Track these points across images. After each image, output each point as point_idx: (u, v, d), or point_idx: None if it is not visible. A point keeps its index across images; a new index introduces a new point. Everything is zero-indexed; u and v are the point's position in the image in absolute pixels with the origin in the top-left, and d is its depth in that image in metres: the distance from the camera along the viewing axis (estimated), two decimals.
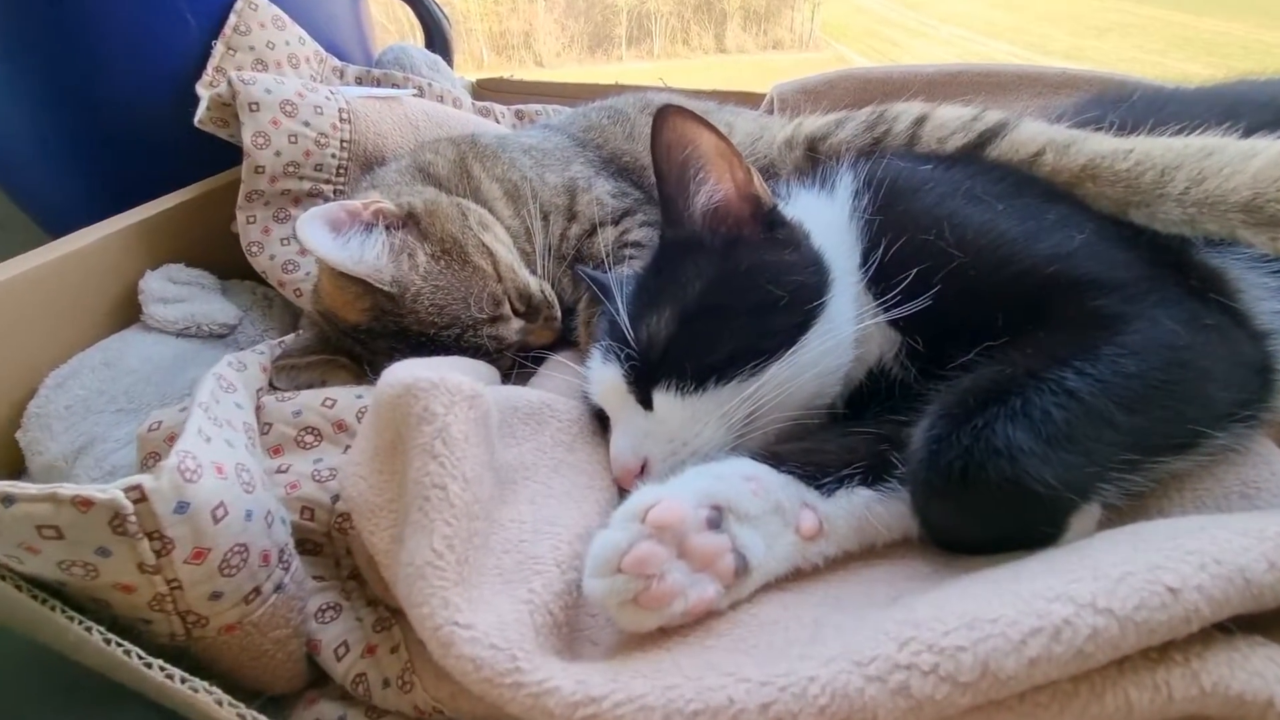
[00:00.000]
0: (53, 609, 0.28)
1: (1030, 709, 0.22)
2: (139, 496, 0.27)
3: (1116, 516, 0.33)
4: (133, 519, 0.27)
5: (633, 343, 0.36)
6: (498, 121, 0.80)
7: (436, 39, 0.86)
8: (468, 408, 0.29)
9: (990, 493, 0.26)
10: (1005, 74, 0.68)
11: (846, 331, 0.35)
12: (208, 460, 0.30)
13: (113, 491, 0.27)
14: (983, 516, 0.27)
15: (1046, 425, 0.26)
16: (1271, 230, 0.29)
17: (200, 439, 0.31)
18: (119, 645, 0.26)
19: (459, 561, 0.25)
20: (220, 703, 0.24)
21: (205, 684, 0.25)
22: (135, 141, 0.64)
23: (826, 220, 0.40)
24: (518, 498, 0.32)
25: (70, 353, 0.53)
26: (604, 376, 0.38)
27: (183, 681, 0.25)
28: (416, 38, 0.89)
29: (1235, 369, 0.30)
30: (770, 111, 0.76)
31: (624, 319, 0.37)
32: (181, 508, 0.28)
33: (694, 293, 0.36)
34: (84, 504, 0.26)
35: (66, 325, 0.54)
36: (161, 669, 0.25)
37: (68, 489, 0.26)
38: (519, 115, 0.82)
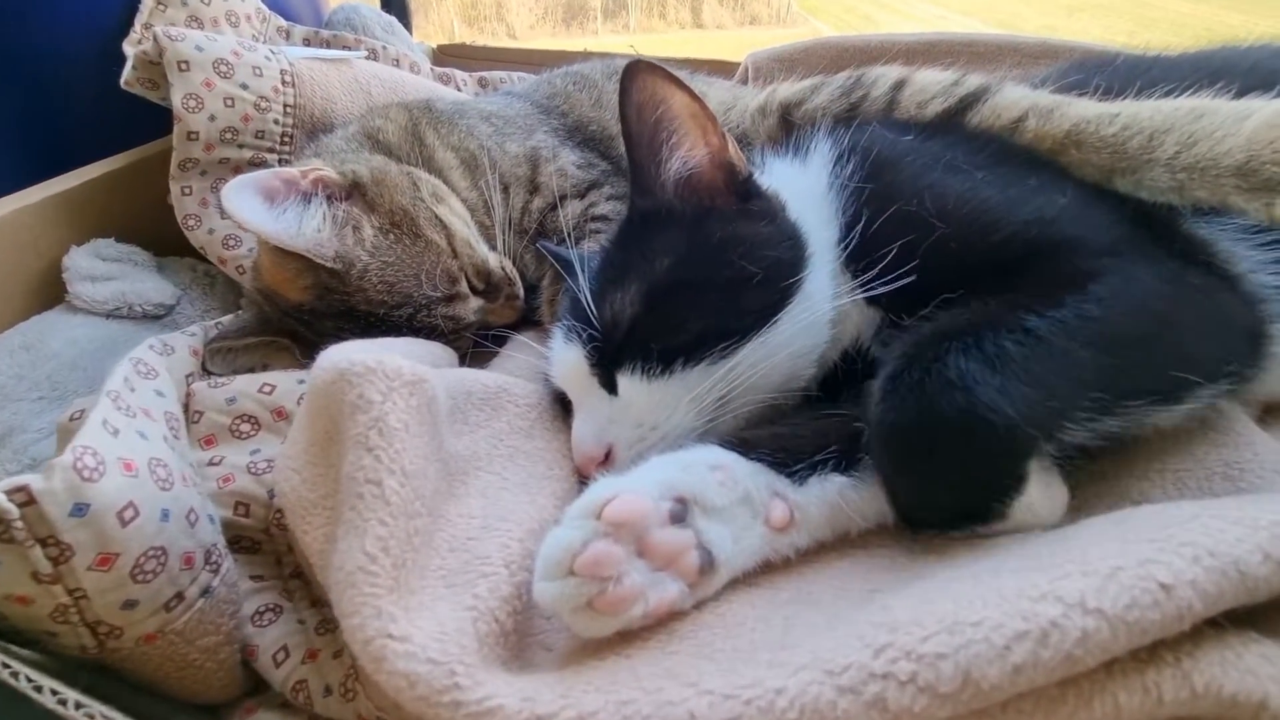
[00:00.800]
0: None
1: (1013, 717, 0.20)
2: (26, 499, 0.24)
3: (1095, 498, 0.32)
4: (19, 524, 0.24)
5: (596, 322, 0.34)
6: (459, 89, 0.75)
7: (393, 2, 0.80)
8: (408, 394, 0.27)
9: (944, 426, 0.25)
10: (984, 43, 0.65)
11: (824, 309, 0.33)
12: (112, 456, 0.27)
13: None
14: (939, 459, 0.26)
15: (1001, 359, 0.25)
16: (1266, 195, 0.28)
17: (105, 432, 0.28)
18: (7, 666, 0.23)
19: (395, 565, 0.23)
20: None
21: (103, 709, 0.22)
22: (55, 104, 0.58)
23: (802, 190, 0.37)
24: (468, 490, 0.29)
25: None
26: (566, 358, 0.35)
27: (78, 707, 0.22)
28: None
29: (1220, 327, 0.30)
30: (745, 81, 0.73)
31: (586, 296, 0.34)
32: (79, 510, 0.25)
33: (662, 268, 0.34)
34: None
35: None
36: (53, 693, 0.22)
37: None
38: (481, 83, 0.77)
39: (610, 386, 0.34)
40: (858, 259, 0.33)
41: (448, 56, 0.87)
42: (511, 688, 0.20)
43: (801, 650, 0.21)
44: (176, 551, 0.28)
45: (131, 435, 0.29)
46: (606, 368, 0.34)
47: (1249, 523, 0.22)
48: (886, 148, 0.36)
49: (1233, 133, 0.30)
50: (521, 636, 0.25)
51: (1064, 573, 0.21)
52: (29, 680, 0.22)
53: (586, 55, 0.80)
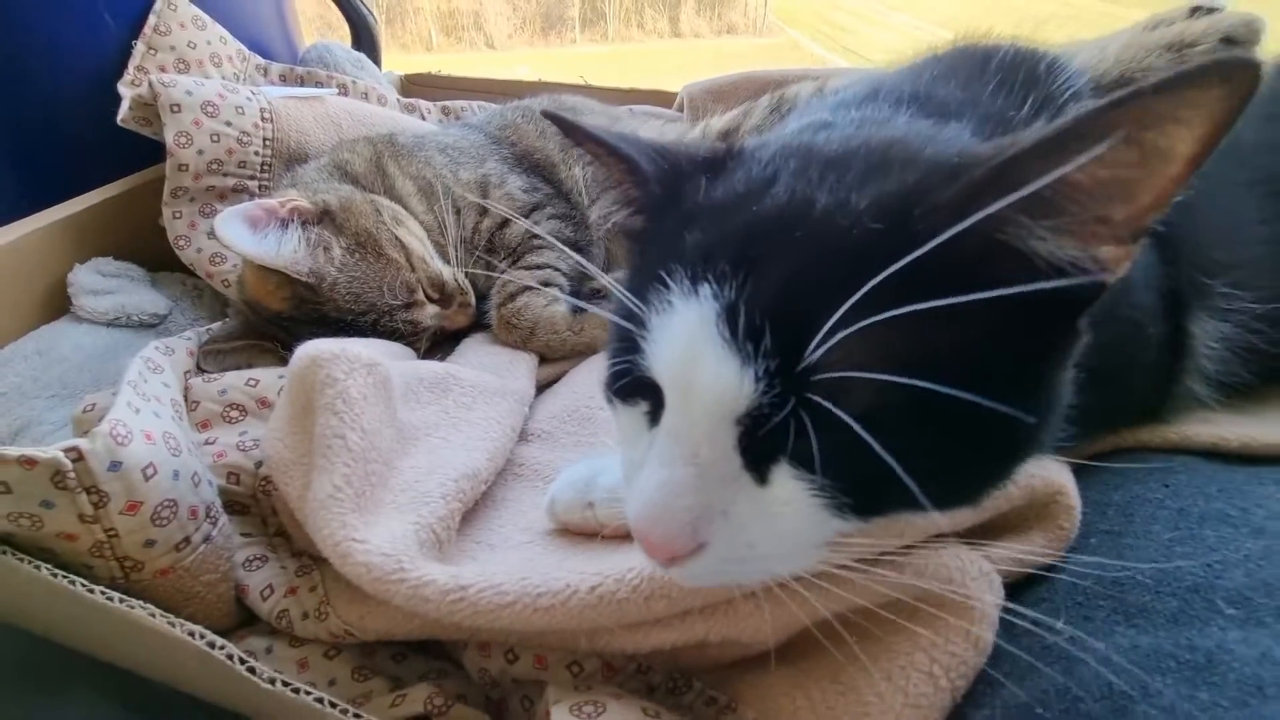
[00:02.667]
0: (4, 553, 0.33)
1: (782, 585, 0.30)
2: (77, 456, 0.33)
3: None
4: (71, 475, 0.33)
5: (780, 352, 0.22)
6: (423, 118, 0.85)
7: (363, 36, 0.90)
8: (366, 374, 0.36)
9: None
10: None
11: None
12: (137, 428, 0.36)
13: (53, 451, 0.32)
14: None
15: None
16: None
17: (129, 410, 0.37)
18: (65, 578, 0.32)
19: (356, 495, 0.32)
20: (153, 615, 0.30)
21: (139, 602, 0.31)
22: (58, 140, 0.67)
23: None
24: (417, 450, 0.38)
25: (1, 343, 0.57)
26: (704, 381, 0.23)
27: (120, 601, 0.31)
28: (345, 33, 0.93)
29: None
30: (680, 109, 0.83)
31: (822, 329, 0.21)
32: (114, 466, 0.34)
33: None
34: (28, 463, 0.32)
35: None
36: (102, 593, 0.31)
37: (13, 450, 0.32)
38: (445, 111, 0.87)
39: (756, 465, 0.23)
40: None
41: (414, 86, 0.97)
42: (444, 571, 0.29)
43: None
44: (185, 504, 0.37)
45: (149, 414, 0.38)
46: (769, 447, 0.23)
47: None
48: None
49: (1102, 58, 0.39)
50: (463, 539, 0.34)
51: None
52: (84, 585, 0.31)
53: (541, 85, 0.91)
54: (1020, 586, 0.33)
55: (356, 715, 0.26)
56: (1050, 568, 0.32)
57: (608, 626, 0.29)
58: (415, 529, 0.32)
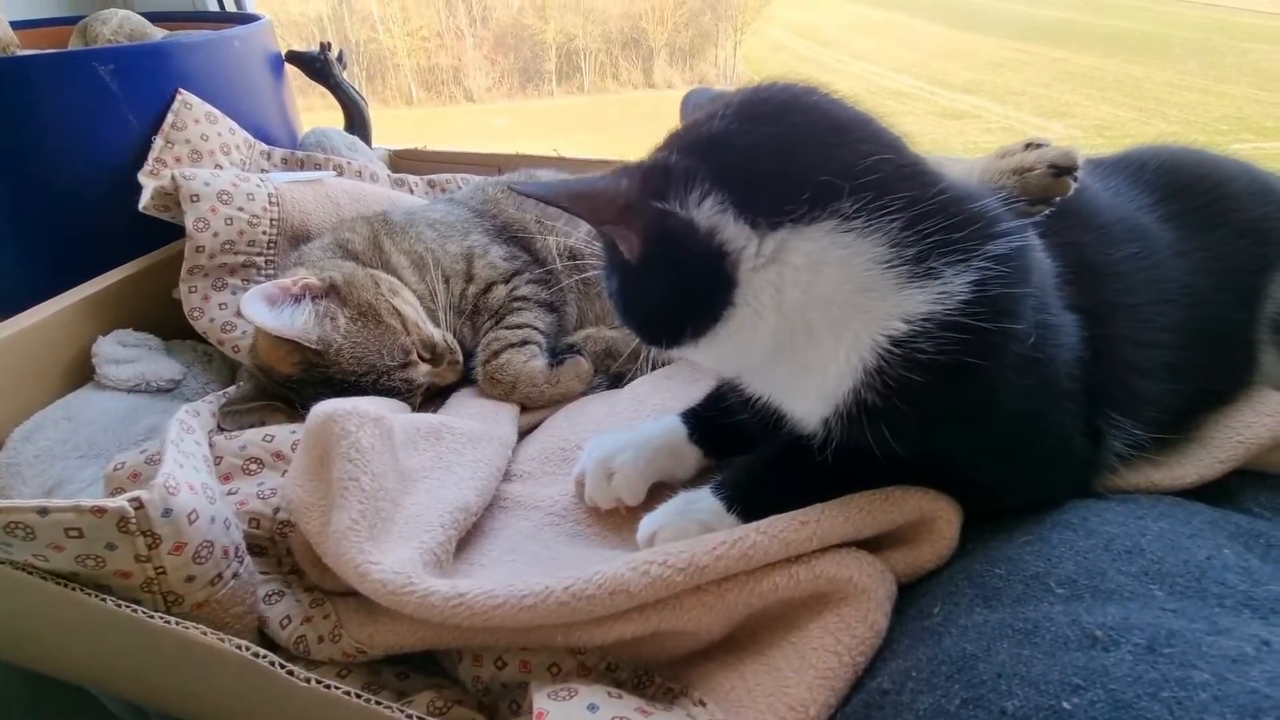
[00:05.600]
0: (74, 589, 0.40)
1: (720, 585, 0.38)
2: (138, 505, 0.40)
3: None
4: (133, 521, 0.40)
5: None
6: (411, 191, 0.95)
7: (356, 120, 1.01)
8: (374, 427, 0.44)
9: None
10: None
11: None
12: (182, 480, 0.43)
13: (120, 501, 0.40)
14: None
15: None
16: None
17: (176, 465, 0.44)
18: (128, 607, 0.39)
19: (370, 526, 0.40)
20: (205, 633, 0.38)
21: (192, 623, 0.38)
22: (84, 224, 0.76)
23: None
24: (418, 489, 0.46)
25: (31, 411, 0.64)
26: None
27: (175, 623, 0.38)
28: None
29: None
30: None
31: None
32: (167, 513, 0.41)
33: None
34: (99, 511, 0.39)
35: (28, 388, 0.65)
36: (161, 618, 0.38)
37: (86, 501, 0.39)
38: (431, 184, 0.98)
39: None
40: None
41: (403, 160, 1.08)
42: (445, 583, 0.37)
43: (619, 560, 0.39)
44: (219, 545, 0.45)
45: (190, 468, 0.46)
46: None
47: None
48: None
49: (970, 174, 0.49)
50: (459, 563, 0.42)
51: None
52: (144, 613, 0.38)
53: (519, 159, 1.02)
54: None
55: (378, 702, 0.34)
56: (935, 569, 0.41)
57: (579, 621, 0.37)
58: (419, 552, 0.40)
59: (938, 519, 0.41)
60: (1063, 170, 0.43)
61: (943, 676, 0.33)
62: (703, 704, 0.36)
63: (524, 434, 0.64)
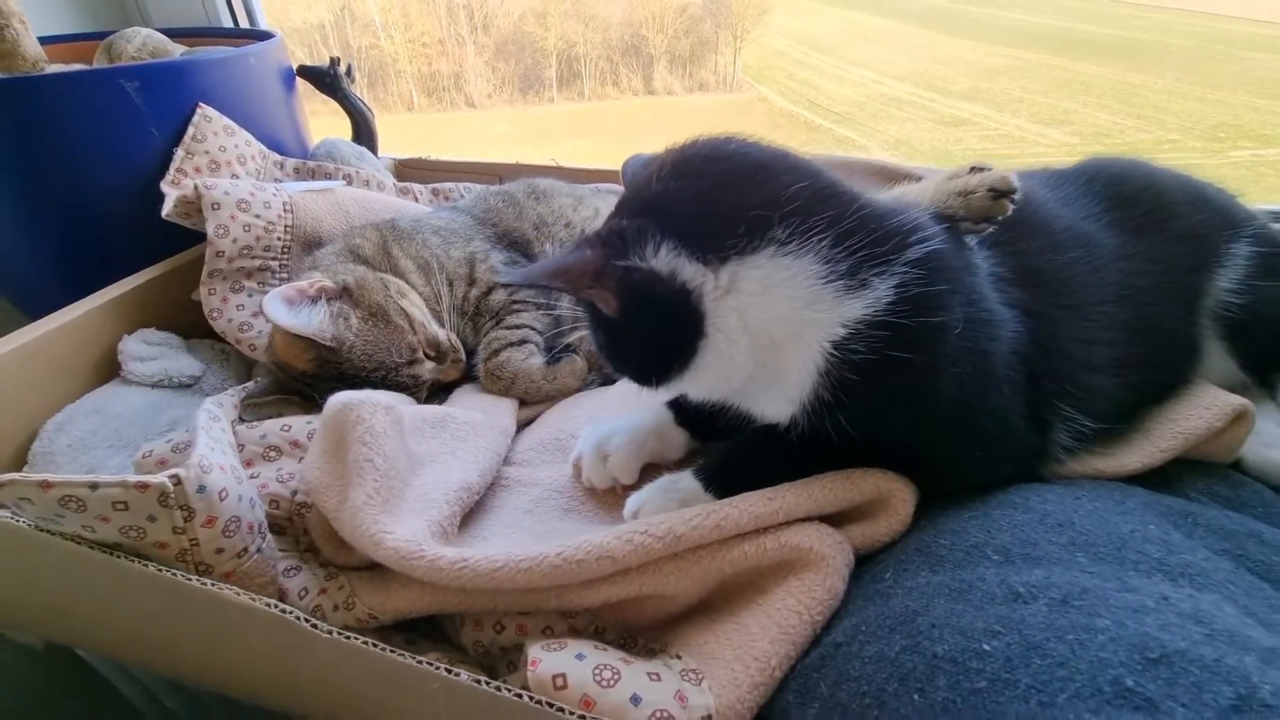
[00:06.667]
0: (119, 558, 0.45)
1: (695, 552, 0.43)
2: (176, 481, 0.45)
3: None
4: (172, 496, 0.45)
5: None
6: (416, 199, 1.01)
7: (363, 131, 1.07)
8: (385, 414, 0.49)
9: None
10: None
11: None
12: (214, 461, 0.49)
13: (161, 477, 0.45)
14: None
15: None
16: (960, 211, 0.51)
17: (208, 448, 0.50)
18: (169, 571, 0.44)
19: (383, 501, 0.45)
20: (238, 593, 0.43)
21: (221, 583, 0.43)
22: (110, 230, 0.82)
23: None
24: (425, 471, 0.52)
25: (62, 404, 0.70)
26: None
27: (212, 585, 0.43)
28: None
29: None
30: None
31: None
32: (201, 489, 0.46)
33: None
34: (142, 486, 0.45)
35: (60, 383, 0.70)
36: (197, 579, 0.43)
37: (132, 478, 0.45)
38: (435, 193, 1.03)
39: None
40: None
41: (407, 169, 1.14)
42: (451, 549, 0.42)
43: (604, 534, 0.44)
44: (245, 521, 0.50)
45: (219, 451, 0.51)
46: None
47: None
48: None
49: (923, 195, 0.55)
50: (463, 536, 0.47)
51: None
52: (183, 576, 0.43)
53: (518, 168, 1.08)
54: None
55: (393, 651, 0.39)
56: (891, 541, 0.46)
57: (570, 584, 0.42)
58: (428, 524, 0.45)
59: (894, 497, 0.46)
60: (1000, 193, 0.49)
61: (887, 629, 0.38)
62: (678, 657, 0.41)
63: (522, 426, 0.69)
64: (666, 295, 0.42)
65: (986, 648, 0.34)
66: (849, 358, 0.42)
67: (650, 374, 0.47)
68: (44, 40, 0.96)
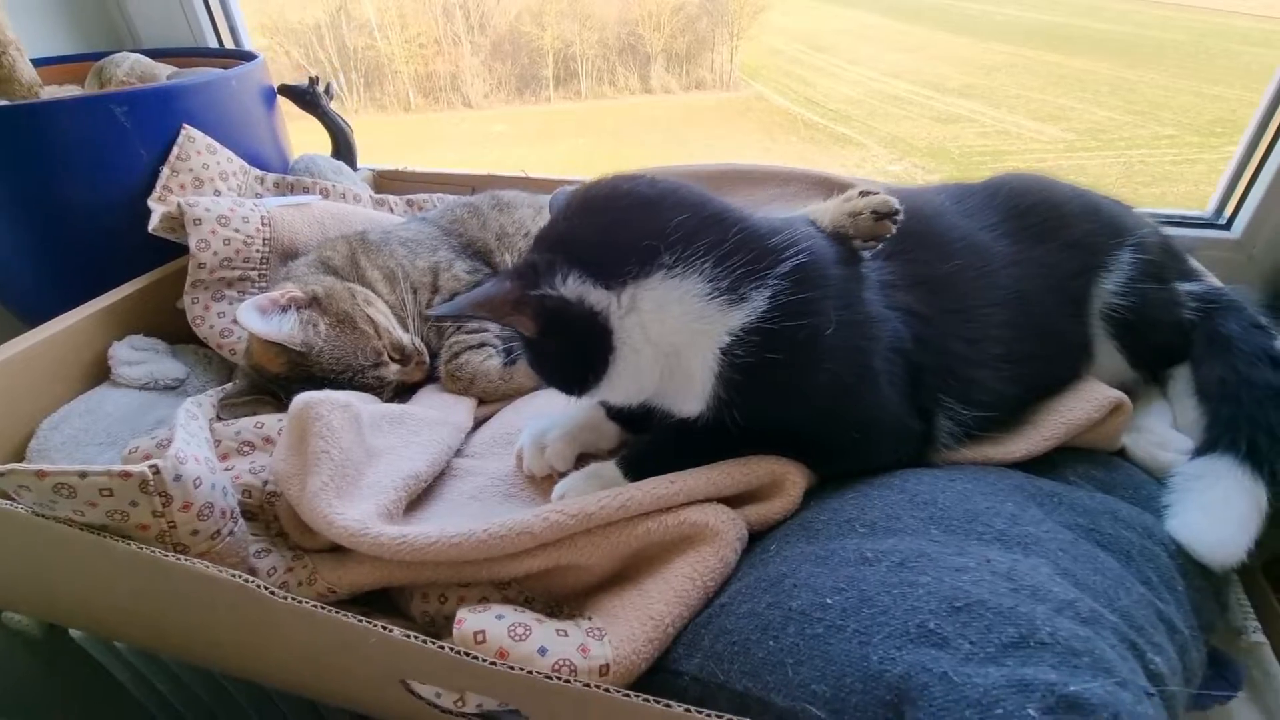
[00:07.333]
0: (105, 538, 0.53)
1: (605, 529, 0.50)
2: (155, 470, 0.53)
3: None
4: (151, 483, 0.53)
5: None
6: (392, 210, 1.08)
7: (342, 146, 1.14)
8: (342, 411, 0.57)
9: None
10: (756, 171, 1.00)
11: None
12: (189, 453, 0.56)
13: (142, 467, 0.52)
14: None
15: None
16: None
17: (184, 442, 0.57)
18: (149, 550, 0.51)
19: (337, 488, 0.52)
20: (208, 566, 0.50)
21: (197, 559, 0.51)
22: (100, 244, 0.89)
23: None
24: (380, 463, 0.59)
25: (58, 405, 0.77)
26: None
27: (186, 560, 0.50)
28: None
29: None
30: None
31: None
32: (177, 478, 0.54)
33: None
34: (125, 475, 0.52)
35: (56, 385, 0.78)
36: (175, 556, 0.51)
37: (116, 467, 0.52)
38: (410, 203, 1.11)
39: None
40: None
41: (386, 180, 1.22)
42: (394, 528, 0.49)
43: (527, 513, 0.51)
44: (218, 507, 0.57)
45: (195, 445, 0.58)
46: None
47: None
48: None
49: (823, 215, 0.61)
50: (410, 518, 0.54)
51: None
52: (161, 553, 0.51)
53: (490, 179, 1.15)
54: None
55: (339, 613, 0.46)
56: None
57: (497, 557, 0.49)
58: (375, 507, 0.52)
59: (786, 480, 0.53)
60: (882, 215, 0.56)
61: (760, 590, 0.45)
62: (589, 618, 0.48)
63: (480, 423, 0.76)
64: (577, 317, 0.49)
65: (829, 601, 0.41)
66: (735, 361, 0.49)
67: (572, 384, 0.54)
68: (38, 62, 1.04)
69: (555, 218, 0.53)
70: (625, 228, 0.50)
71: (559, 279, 0.49)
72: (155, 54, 1.11)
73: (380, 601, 0.60)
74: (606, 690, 0.40)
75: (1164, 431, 0.64)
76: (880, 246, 0.58)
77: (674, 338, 0.50)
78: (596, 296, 0.49)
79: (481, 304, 0.50)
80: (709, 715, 0.37)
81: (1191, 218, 0.92)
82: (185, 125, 0.91)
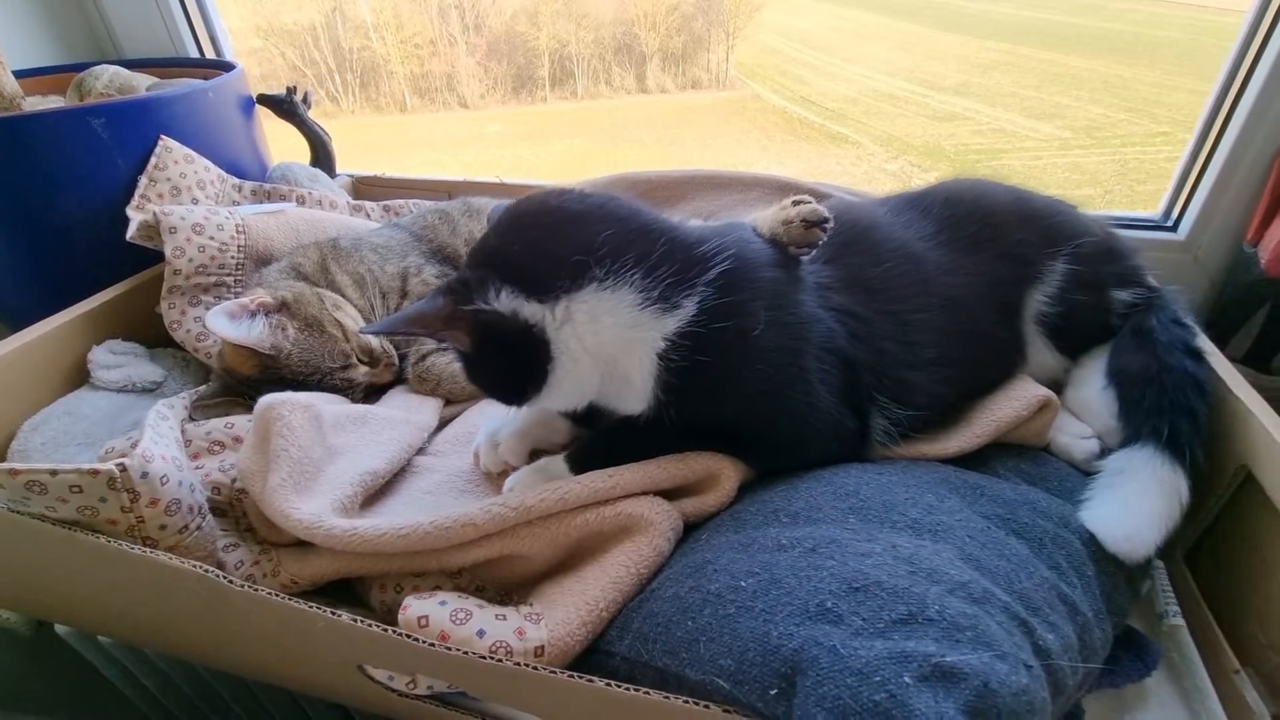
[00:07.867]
0: (75, 531, 0.56)
1: (545, 520, 0.54)
2: (122, 468, 0.56)
3: None
4: (119, 480, 0.56)
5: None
6: (368, 216, 1.12)
7: (320, 153, 1.18)
8: (303, 412, 0.60)
9: None
10: (720, 177, 1.04)
11: None
12: (157, 452, 0.60)
13: (109, 465, 0.56)
14: None
15: None
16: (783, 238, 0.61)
17: (151, 441, 0.61)
18: (118, 543, 0.55)
19: (295, 485, 0.56)
20: (172, 559, 0.54)
21: (162, 551, 0.54)
22: (79, 251, 0.93)
23: None
24: (341, 460, 0.63)
25: (38, 408, 0.81)
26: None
27: (152, 553, 0.54)
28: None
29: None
30: None
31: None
32: (144, 475, 0.57)
33: None
34: (94, 473, 0.55)
35: (35, 388, 0.82)
36: (140, 549, 0.54)
37: (85, 465, 0.56)
38: (386, 209, 1.14)
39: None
40: None
41: (364, 186, 1.25)
42: (345, 521, 0.53)
43: (471, 506, 0.55)
44: (185, 503, 0.60)
45: (164, 444, 0.62)
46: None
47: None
48: None
49: (762, 221, 0.65)
50: (366, 513, 0.58)
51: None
52: (128, 546, 0.54)
53: (466, 185, 1.19)
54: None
55: (295, 601, 0.49)
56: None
57: (443, 547, 0.53)
58: (330, 502, 0.56)
59: (721, 474, 0.57)
60: (812, 223, 0.59)
61: (685, 575, 0.49)
62: (530, 604, 0.52)
63: (446, 422, 0.80)
64: (513, 330, 0.52)
65: (743, 584, 0.44)
66: (671, 365, 0.53)
67: (511, 394, 0.58)
68: (20, 74, 1.08)
69: (487, 233, 0.56)
70: (554, 243, 0.53)
71: (492, 294, 0.52)
72: (136, 65, 1.15)
73: (345, 594, 0.64)
74: (536, 669, 0.44)
75: (1078, 425, 0.67)
76: (814, 252, 0.61)
77: (610, 346, 0.53)
78: (530, 310, 0.52)
79: (415, 321, 0.53)
80: (625, 689, 0.41)
81: (1141, 220, 0.95)
82: (162, 136, 0.95)
